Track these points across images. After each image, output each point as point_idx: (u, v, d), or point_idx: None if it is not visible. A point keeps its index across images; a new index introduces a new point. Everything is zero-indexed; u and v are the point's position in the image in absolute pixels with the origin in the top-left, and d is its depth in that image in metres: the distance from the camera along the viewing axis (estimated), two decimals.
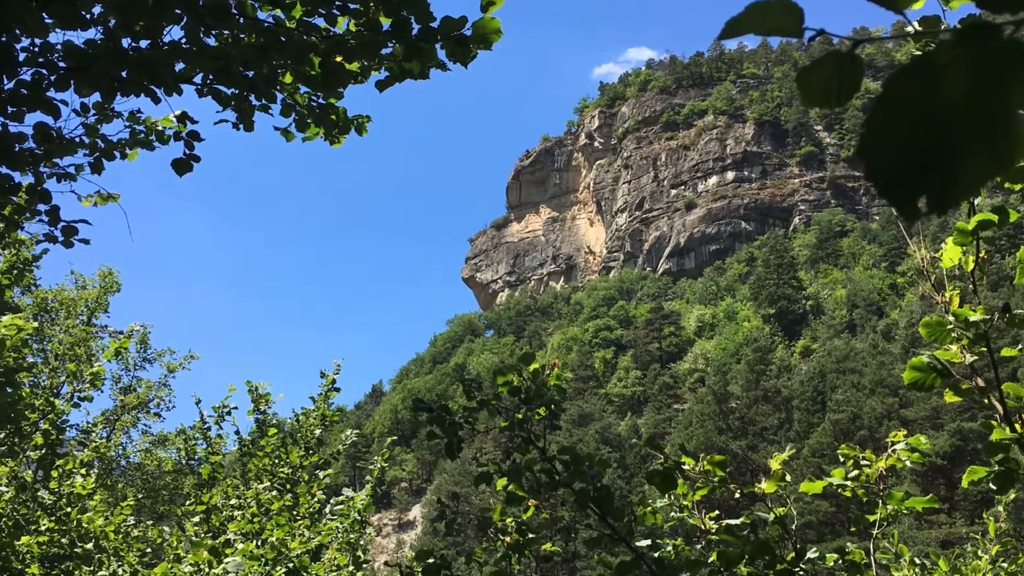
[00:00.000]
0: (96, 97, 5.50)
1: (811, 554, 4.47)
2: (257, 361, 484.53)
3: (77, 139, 5.87)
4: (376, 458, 13.10)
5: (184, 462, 15.10)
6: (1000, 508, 6.71)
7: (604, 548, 4.48)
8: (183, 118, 6.00)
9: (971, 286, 3.87)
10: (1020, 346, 4.11)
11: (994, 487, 3.89)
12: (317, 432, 12.60)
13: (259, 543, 9.71)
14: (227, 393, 12.47)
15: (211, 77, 5.37)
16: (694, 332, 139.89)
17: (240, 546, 8.86)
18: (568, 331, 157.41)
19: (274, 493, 11.27)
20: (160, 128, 6.10)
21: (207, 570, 8.44)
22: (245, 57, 5.18)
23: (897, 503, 4.85)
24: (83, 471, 10.76)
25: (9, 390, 9.12)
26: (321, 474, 12.19)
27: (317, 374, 13.10)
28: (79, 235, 6.32)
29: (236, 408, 12.55)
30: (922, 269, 4.04)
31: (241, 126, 5.72)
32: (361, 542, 11.53)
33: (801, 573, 4.34)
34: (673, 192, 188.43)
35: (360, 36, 5.18)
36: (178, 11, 4.89)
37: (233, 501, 11.22)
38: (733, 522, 4.68)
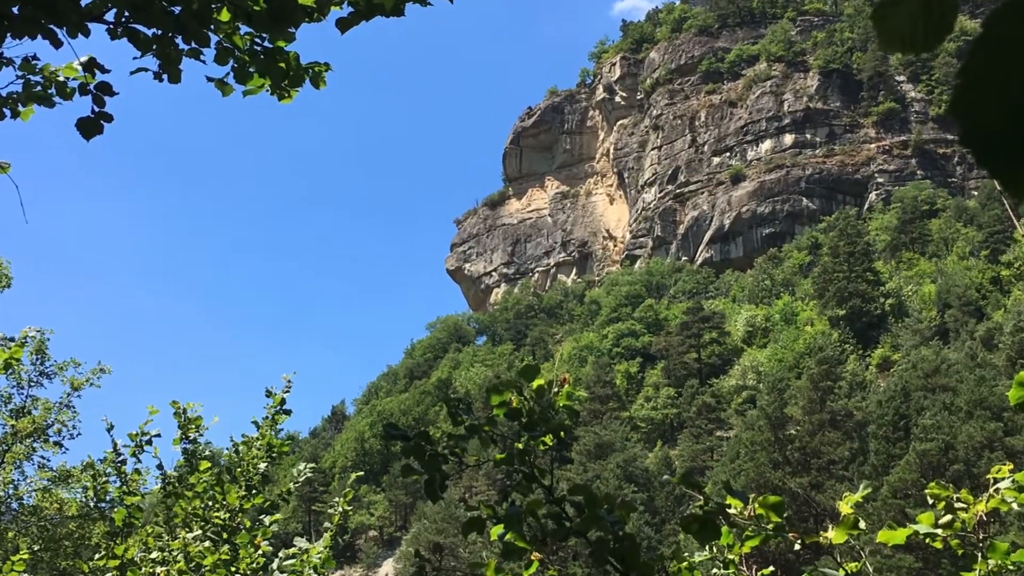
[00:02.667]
0: None
1: None
2: (186, 377, 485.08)
3: None
4: (337, 499, 13.10)
5: (93, 504, 15.10)
6: None
7: None
8: (91, 66, 5.99)
9: None
10: None
11: None
12: (262, 466, 12.61)
13: None
14: (147, 417, 12.46)
15: (126, 14, 5.36)
16: (742, 339, 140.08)
17: None
18: (582, 338, 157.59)
19: (207, 544, 11.28)
20: (62, 79, 6.09)
21: None
22: None
23: (1001, 556, 4.85)
24: None
25: None
26: (267, 520, 12.20)
27: (262, 393, 13.10)
28: None
29: (159, 436, 12.54)
30: None
31: (165, 76, 5.71)
32: None
33: None
34: (715, 161, 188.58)
35: None
36: None
37: (155, 554, 11.23)
38: None
